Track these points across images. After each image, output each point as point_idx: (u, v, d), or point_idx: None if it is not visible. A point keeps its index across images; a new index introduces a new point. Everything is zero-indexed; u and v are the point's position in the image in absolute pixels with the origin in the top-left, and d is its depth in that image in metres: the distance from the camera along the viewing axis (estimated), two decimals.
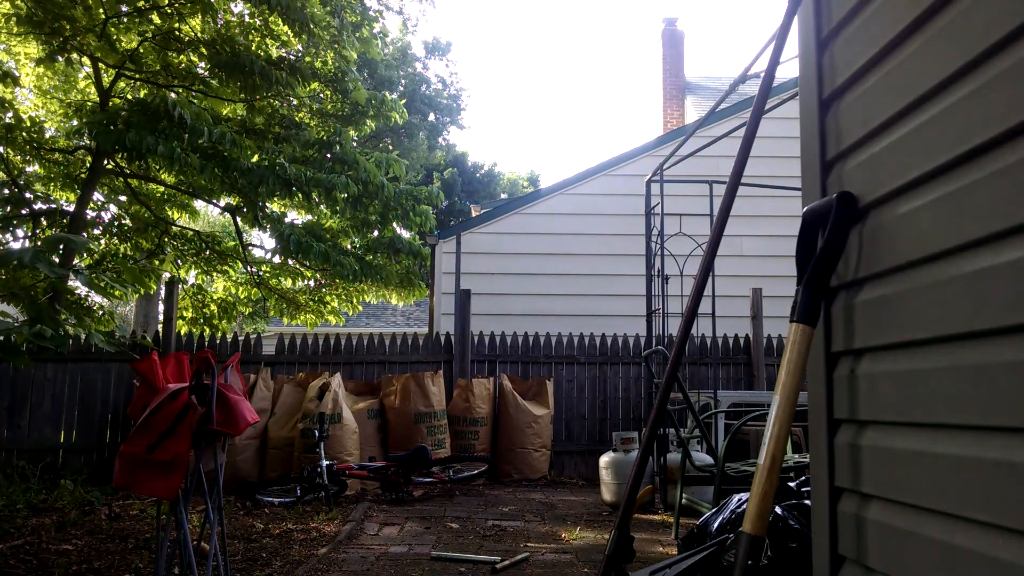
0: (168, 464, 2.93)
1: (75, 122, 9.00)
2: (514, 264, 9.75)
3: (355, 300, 10.86)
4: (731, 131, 6.07)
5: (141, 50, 8.36)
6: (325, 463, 6.04)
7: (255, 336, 8.23)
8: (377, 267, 9.66)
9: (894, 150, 1.62)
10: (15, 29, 8.00)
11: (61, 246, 6.26)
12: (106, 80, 8.59)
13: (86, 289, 8.99)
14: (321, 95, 9.82)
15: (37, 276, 5.53)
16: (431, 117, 27.06)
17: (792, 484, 2.85)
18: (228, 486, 6.43)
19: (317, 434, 6.14)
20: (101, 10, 7.75)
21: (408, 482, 6.31)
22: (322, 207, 9.10)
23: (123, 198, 10.10)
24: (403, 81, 25.30)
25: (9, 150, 8.35)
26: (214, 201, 9.53)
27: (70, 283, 8.19)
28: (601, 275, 9.67)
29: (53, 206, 8.77)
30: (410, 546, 4.48)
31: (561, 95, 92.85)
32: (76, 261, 7.61)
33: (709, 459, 5.02)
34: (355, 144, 11.55)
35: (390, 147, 22.67)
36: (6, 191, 8.26)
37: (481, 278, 9.55)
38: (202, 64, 8.66)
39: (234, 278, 11.25)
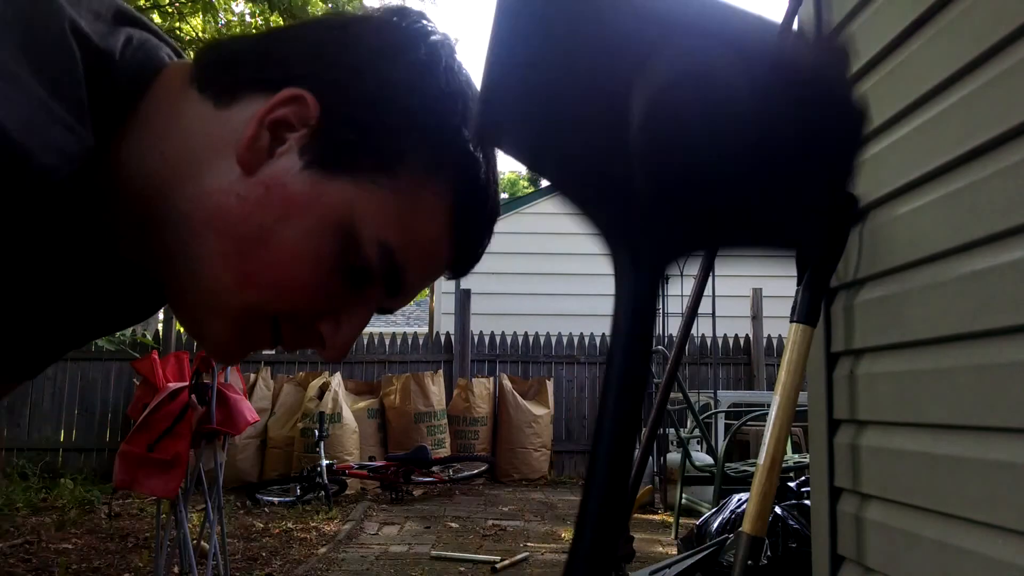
0: (168, 463, 2.94)
1: None
2: (514, 264, 9.74)
3: None
4: None
5: None
6: (325, 462, 6.03)
7: None
8: None
9: (894, 150, 1.62)
10: None
11: None
12: None
13: None
14: None
15: None
16: None
17: (792, 484, 2.86)
18: (228, 485, 6.41)
19: (317, 433, 6.14)
20: None
21: (408, 481, 6.31)
22: None
23: None
24: None
25: None
26: None
27: None
28: (601, 275, 9.66)
29: None
30: (410, 545, 4.48)
31: None
32: None
33: (709, 459, 5.03)
34: None
35: None
36: None
37: (481, 278, 9.53)
38: None
39: None
